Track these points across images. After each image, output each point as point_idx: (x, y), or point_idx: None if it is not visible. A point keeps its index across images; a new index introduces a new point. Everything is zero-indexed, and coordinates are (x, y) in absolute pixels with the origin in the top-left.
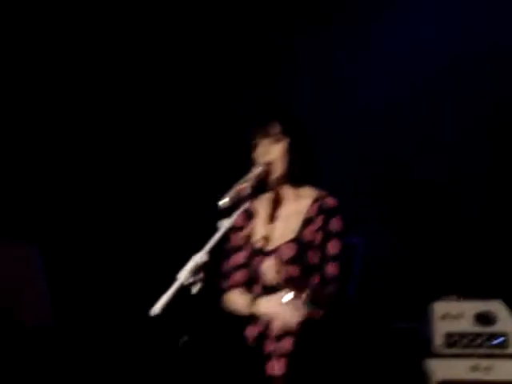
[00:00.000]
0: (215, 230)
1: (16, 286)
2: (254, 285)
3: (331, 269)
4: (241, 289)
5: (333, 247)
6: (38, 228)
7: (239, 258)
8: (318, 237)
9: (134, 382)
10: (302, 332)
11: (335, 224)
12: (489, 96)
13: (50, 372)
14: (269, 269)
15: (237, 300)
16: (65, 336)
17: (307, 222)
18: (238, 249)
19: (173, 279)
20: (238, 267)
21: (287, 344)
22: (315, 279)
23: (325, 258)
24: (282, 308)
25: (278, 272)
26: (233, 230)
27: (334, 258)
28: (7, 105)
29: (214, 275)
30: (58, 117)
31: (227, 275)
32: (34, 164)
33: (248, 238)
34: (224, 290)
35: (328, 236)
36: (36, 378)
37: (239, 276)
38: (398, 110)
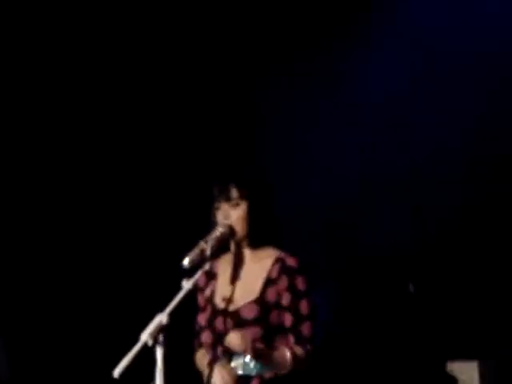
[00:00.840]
0: (179, 288)
1: None
2: (217, 346)
3: (306, 329)
4: (205, 350)
5: (305, 307)
6: None
7: (202, 319)
8: (286, 298)
9: None
10: None
11: (302, 284)
12: None
13: None
14: (233, 340)
15: (200, 361)
16: None
17: (269, 282)
18: (202, 309)
19: (136, 339)
20: (202, 328)
21: None
22: (289, 339)
23: (298, 319)
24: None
25: (242, 343)
26: (197, 290)
27: (308, 318)
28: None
29: (175, 337)
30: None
31: (196, 335)
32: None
33: (210, 298)
34: (194, 349)
35: (298, 296)
36: None
37: (205, 337)
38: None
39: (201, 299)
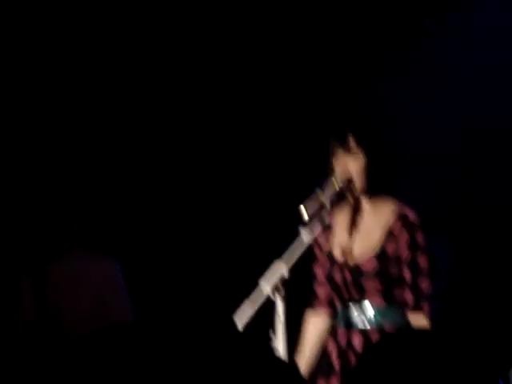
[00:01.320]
0: (294, 233)
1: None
2: (334, 297)
3: (425, 284)
4: (319, 307)
5: (424, 262)
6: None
7: (319, 272)
8: (406, 252)
9: None
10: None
11: (421, 239)
12: None
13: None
14: None
15: (307, 326)
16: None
17: (390, 236)
18: (318, 261)
19: (251, 282)
20: (319, 283)
21: None
22: (407, 295)
23: (417, 274)
24: None
25: None
26: (314, 245)
27: (427, 273)
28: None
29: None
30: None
31: (315, 292)
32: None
33: (327, 250)
34: (309, 306)
35: (416, 251)
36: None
37: (321, 292)
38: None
39: (317, 251)
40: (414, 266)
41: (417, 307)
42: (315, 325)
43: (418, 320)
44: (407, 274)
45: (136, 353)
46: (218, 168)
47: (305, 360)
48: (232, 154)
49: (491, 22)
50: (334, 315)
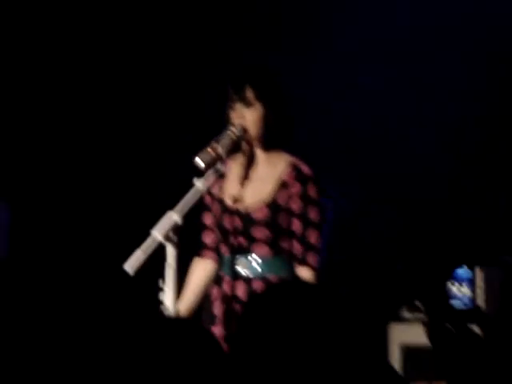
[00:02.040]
0: (190, 185)
1: None
2: (222, 245)
3: (313, 237)
4: (206, 252)
5: (315, 214)
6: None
7: (207, 219)
8: (297, 204)
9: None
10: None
11: (313, 191)
12: None
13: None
14: None
15: (192, 271)
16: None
17: (282, 186)
18: (208, 208)
19: (145, 234)
20: (206, 228)
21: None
22: (296, 246)
23: (307, 225)
24: None
25: None
26: (205, 192)
27: (316, 225)
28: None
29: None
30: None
31: (203, 238)
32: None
33: (218, 197)
34: (197, 255)
35: (308, 203)
36: None
37: (207, 237)
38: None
39: (207, 197)
40: (304, 218)
41: (304, 259)
42: (200, 271)
43: (304, 272)
44: (296, 226)
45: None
46: (115, 117)
47: (186, 305)
48: (128, 101)
49: None
50: (220, 262)
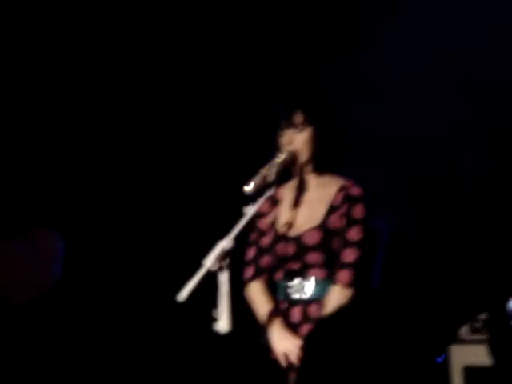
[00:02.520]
0: (241, 215)
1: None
2: (276, 271)
3: (351, 255)
4: (263, 279)
5: (355, 234)
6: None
7: (264, 243)
8: (342, 223)
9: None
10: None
11: (358, 211)
12: None
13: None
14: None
15: (254, 297)
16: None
17: (332, 209)
18: (263, 234)
19: (199, 265)
20: (263, 251)
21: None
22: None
23: (345, 244)
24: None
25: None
26: (258, 216)
27: (354, 244)
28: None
29: (239, 262)
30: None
31: (250, 263)
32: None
33: (272, 224)
34: (247, 279)
35: (350, 222)
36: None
37: (265, 261)
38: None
39: (262, 224)
40: (342, 236)
41: (335, 277)
42: (259, 288)
43: (334, 290)
44: (336, 244)
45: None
46: (165, 148)
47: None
48: (180, 134)
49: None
50: (272, 285)
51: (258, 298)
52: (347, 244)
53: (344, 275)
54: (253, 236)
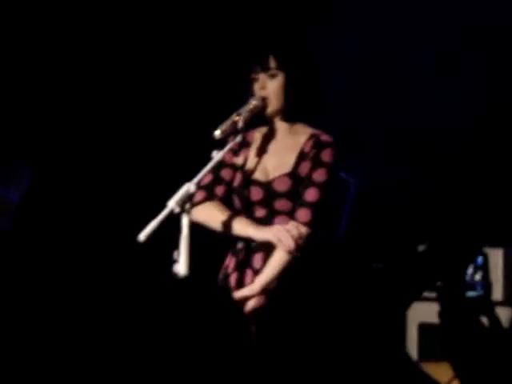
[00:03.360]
0: (208, 160)
1: None
2: (242, 215)
3: (311, 194)
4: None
5: (319, 175)
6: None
7: (225, 174)
8: (307, 167)
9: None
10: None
11: (326, 155)
12: None
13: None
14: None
15: (211, 212)
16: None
17: (302, 156)
18: (229, 166)
19: (163, 207)
20: (220, 182)
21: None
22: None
23: (308, 183)
24: (283, 234)
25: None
26: (227, 152)
27: (318, 185)
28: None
29: None
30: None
31: (203, 188)
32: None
33: (241, 166)
34: (197, 202)
35: (316, 164)
36: None
37: (220, 190)
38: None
39: (230, 157)
40: (307, 178)
41: (293, 216)
42: (212, 204)
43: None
44: (301, 187)
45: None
46: (138, 88)
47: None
48: (155, 77)
49: None
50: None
51: (213, 208)
52: (310, 184)
53: (303, 213)
54: (220, 171)
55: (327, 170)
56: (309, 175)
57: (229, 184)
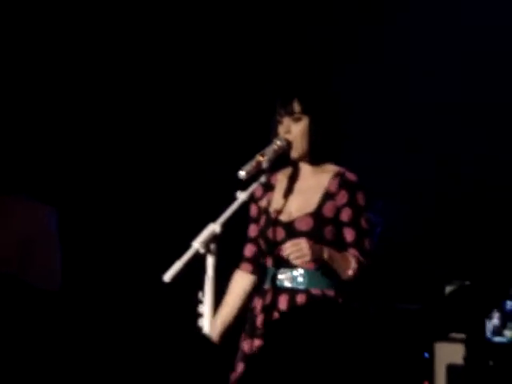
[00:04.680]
0: (233, 200)
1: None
2: (267, 257)
3: (368, 244)
4: (248, 265)
5: (365, 223)
6: (55, 191)
7: (252, 231)
8: (347, 213)
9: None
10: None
11: (362, 199)
12: None
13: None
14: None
15: (231, 282)
16: (71, 301)
17: (327, 196)
18: (254, 221)
19: (188, 247)
20: (249, 240)
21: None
22: (352, 253)
23: (361, 234)
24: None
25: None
26: (252, 201)
27: (368, 233)
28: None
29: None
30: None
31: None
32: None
33: (265, 209)
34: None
35: (358, 212)
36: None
37: (248, 250)
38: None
39: (254, 210)
40: (356, 226)
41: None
42: (238, 282)
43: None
44: (350, 234)
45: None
46: (163, 129)
47: (224, 313)
48: (178, 117)
49: None
50: (260, 273)
51: (228, 291)
52: (363, 233)
53: (365, 260)
54: (249, 226)
55: (367, 214)
56: (355, 221)
57: (256, 240)
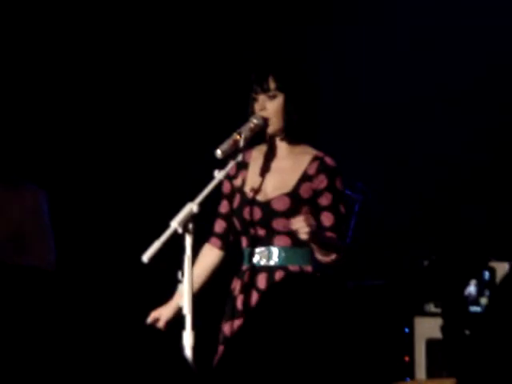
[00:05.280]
0: (210, 179)
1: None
2: (242, 237)
3: (344, 229)
4: (216, 240)
5: (344, 209)
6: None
7: (223, 207)
8: (327, 198)
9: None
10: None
11: (340, 184)
12: None
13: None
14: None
15: (199, 256)
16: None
17: (304, 178)
18: (226, 198)
19: (166, 226)
20: (220, 216)
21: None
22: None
23: (339, 219)
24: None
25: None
26: (226, 179)
27: (346, 219)
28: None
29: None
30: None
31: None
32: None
33: (239, 188)
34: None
35: (337, 197)
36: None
37: (218, 225)
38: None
39: (227, 186)
40: (335, 211)
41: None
42: (205, 256)
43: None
44: (329, 219)
45: (52, 302)
46: (138, 112)
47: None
48: (153, 97)
49: None
50: (228, 251)
51: (195, 264)
52: (341, 218)
53: (341, 247)
54: (220, 203)
55: (345, 200)
56: (334, 206)
57: (227, 216)
